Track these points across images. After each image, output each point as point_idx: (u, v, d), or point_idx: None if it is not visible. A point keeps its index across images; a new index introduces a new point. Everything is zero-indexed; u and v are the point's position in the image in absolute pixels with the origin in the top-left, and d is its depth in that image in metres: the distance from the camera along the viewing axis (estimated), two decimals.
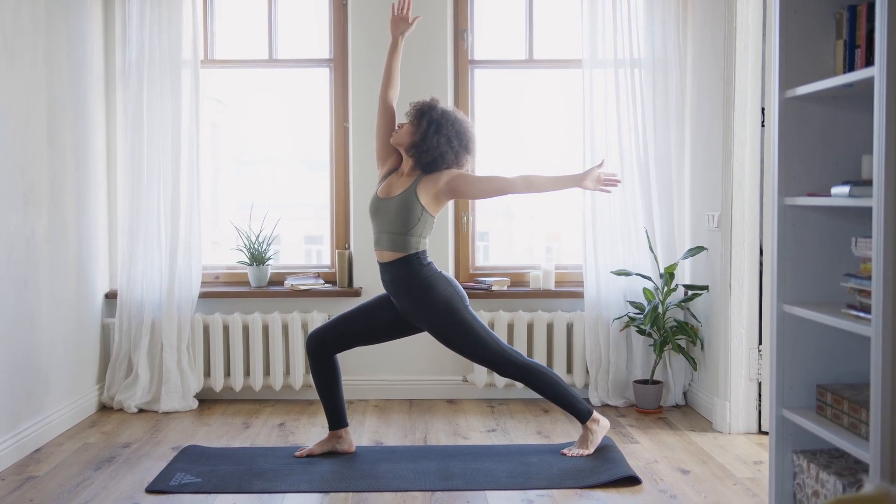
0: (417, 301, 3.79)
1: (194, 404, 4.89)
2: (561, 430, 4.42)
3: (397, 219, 3.76)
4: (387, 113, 3.97)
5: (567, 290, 5.05)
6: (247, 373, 5.02)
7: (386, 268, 3.83)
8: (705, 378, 4.71)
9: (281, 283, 5.13)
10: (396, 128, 3.89)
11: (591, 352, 4.93)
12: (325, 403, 3.96)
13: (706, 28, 4.64)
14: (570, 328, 5.04)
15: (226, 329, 5.00)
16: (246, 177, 5.71)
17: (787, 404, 2.96)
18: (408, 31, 3.97)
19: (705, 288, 4.65)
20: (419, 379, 5.10)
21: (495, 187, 3.83)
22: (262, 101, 5.48)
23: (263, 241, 5.09)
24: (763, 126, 4.26)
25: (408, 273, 3.77)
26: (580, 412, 3.92)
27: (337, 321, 3.94)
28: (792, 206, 2.92)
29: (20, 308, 4.00)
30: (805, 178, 2.92)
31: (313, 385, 4.92)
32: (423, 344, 4.95)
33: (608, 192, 4.00)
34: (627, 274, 4.77)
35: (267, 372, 5.04)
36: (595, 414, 3.95)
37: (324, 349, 3.91)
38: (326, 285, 5.08)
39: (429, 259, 3.83)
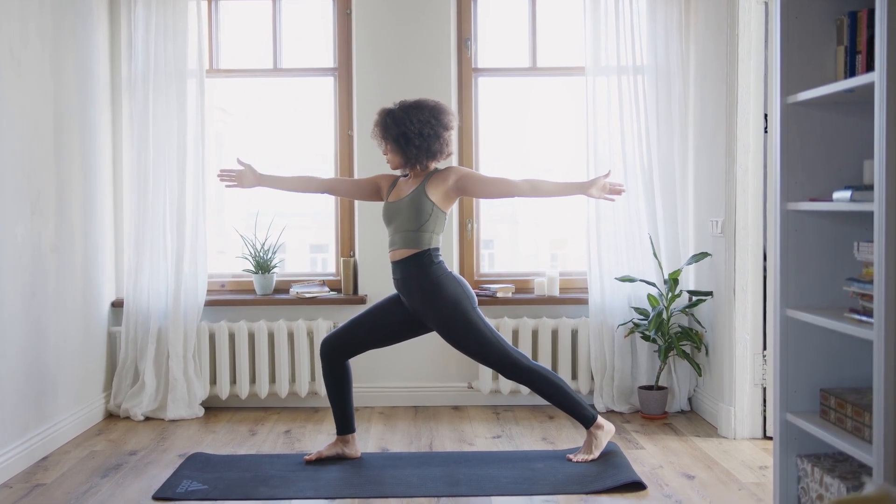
0: (427, 299, 3.81)
1: (200, 412, 4.90)
2: (566, 436, 4.43)
3: (409, 215, 3.80)
4: (341, 186, 4.19)
5: (572, 297, 5.06)
6: (252, 380, 5.04)
7: (398, 266, 3.86)
8: (710, 383, 4.71)
9: (286, 291, 5.15)
10: (386, 159, 3.93)
11: (596, 358, 4.94)
12: (335, 408, 3.98)
13: (708, 35, 4.66)
14: (574, 334, 5.05)
15: (231, 337, 5.02)
16: None
17: (791, 409, 2.97)
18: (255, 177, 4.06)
19: (710, 294, 4.66)
20: (424, 386, 5.11)
21: (501, 189, 3.89)
22: (266, 109, 5.50)
23: (269, 250, 5.11)
24: (766, 132, 4.28)
25: (418, 271, 3.80)
26: (585, 417, 3.92)
27: (349, 325, 3.96)
28: (794, 211, 2.94)
29: (27, 316, 4.03)
30: (807, 184, 2.94)
31: (319, 392, 4.98)
32: (428, 351, 4.97)
33: (612, 200, 4.04)
34: (632, 280, 4.78)
35: (273, 379, 5.05)
36: (600, 419, 3.95)
37: (337, 354, 3.93)
38: (332, 293, 5.10)
39: (440, 258, 3.86)
